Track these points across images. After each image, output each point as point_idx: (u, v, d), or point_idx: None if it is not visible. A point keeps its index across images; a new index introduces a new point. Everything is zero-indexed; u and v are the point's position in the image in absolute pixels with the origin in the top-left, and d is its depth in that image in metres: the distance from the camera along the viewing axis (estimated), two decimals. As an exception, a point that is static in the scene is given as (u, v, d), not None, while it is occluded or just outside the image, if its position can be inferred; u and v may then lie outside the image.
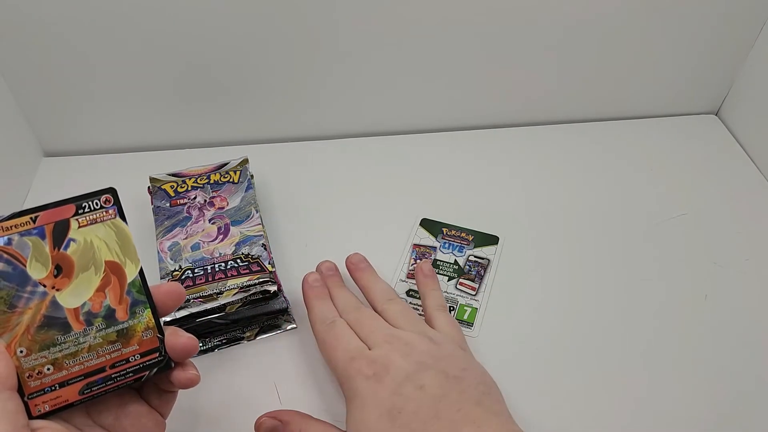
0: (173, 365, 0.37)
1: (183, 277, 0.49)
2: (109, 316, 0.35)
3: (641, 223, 0.62)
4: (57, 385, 0.34)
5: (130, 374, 0.36)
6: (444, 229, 0.59)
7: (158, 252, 0.52)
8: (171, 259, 0.51)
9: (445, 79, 0.68)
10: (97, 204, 0.35)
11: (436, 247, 0.58)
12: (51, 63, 0.60)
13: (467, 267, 0.56)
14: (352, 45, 0.63)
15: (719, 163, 0.69)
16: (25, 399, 0.33)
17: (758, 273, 0.57)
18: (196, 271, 0.50)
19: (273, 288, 0.49)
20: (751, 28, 0.67)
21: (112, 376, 0.36)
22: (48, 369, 0.34)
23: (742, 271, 0.57)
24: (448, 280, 0.55)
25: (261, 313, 0.50)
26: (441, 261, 0.57)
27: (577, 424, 0.46)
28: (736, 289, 0.56)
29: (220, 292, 0.48)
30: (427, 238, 0.58)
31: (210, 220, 0.54)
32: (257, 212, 0.55)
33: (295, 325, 0.52)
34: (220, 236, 0.52)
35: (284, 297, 0.50)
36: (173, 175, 0.58)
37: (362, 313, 0.47)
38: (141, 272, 0.36)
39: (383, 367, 0.41)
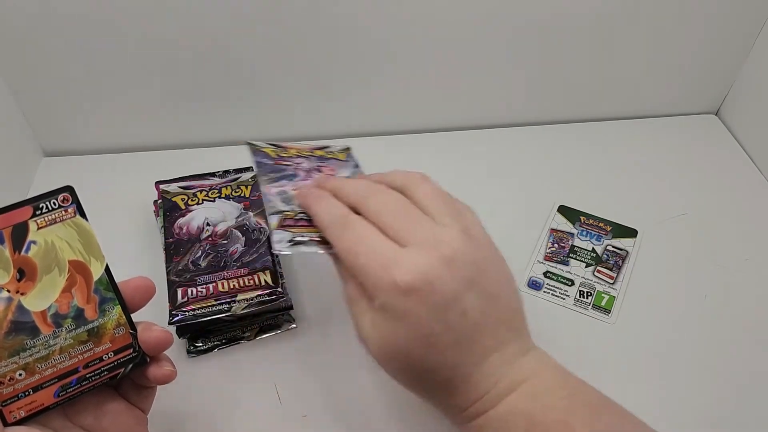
0: (148, 360, 0.36)
1: (297, 217, 0.43)
2: (78, 316, 0.35)
3: (640, 222, 0.61)
4: (31, 390, 0.34)
5: (105, 373, 0.36)
6: (582, 217, 0.60)
7: (265, 194, 0.45)
8: (282, 202, 0.45)
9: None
10: (54, 204, 0.35)
11: (573, 234, 0.59)
12: (51, 63, 0.60)
13: (605, 256, 0.57)
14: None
15: (719, 163, 0.69)
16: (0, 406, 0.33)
17: (758, 273, 0.57)
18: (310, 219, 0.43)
19: None
20: (751, 28, 0.67)
21: (87, 376, 0.35)
22: (20, 374, 0.34)
23: (742, 271, 0.57)
24: (586, 266, 0.56)
25: (265, 311, 0.50)
26: (578, 247, 0.58)
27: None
28: (736, 289, 0.55)
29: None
30: (564, 224, 0.60)
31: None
32: None
33: (295, 325, 0.51)
34: None
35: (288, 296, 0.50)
36: (274, 144, 0.52)
37: (385, 196, 0.39)
38: (107, 269, 0.36)
39: (426, 283, 0.34)
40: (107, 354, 0.36)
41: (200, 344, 0.49)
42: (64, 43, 0.58)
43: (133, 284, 0.36)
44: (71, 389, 0.35)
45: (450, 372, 0.36)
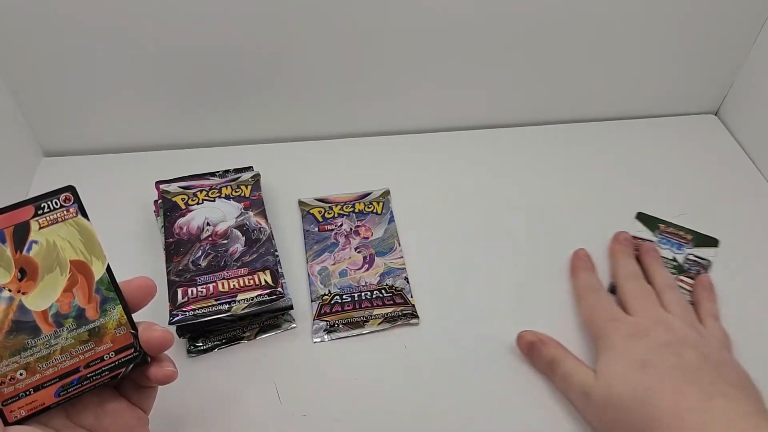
0: (149, 360, 0.36)
1: (332, 302, 0.52)
2: (80, 315, 0.35)
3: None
4: (31, 390, 0.34)
5: (106, 372, 0.36)
6: (661, 225, 0.60)
7: (309, 275, 0.54)
8: (321, 283, 0.54)
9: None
10: (56, 203, 0.35)
11: (654, 241, 0.58)
12: (51, 63, 0.60)
13: (686, 265, 0.57)
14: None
15: (719, 163, 0.68)
16: (0, 406, 0.33)
17: (758, 273, 0.56)
18: (344, 297, 0.52)
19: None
20: (751, 28, 0.67)
21: (88, 375, 0.35)
22: (21, 374, 0.34)
23: (741, 271, 0.56)
24: None
25: (266, 311, 0.50)
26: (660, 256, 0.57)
27: None
28: (736, 289, 0.54)
29: (366, 320, 0.51)
30: (643, 231, 0.60)
31: (356, 249, 0.56)
32: (399, 245, 0.57)
33: (295, 325, 0.51)
34: (366, 265, 0.55)
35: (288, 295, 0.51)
36: (320, 200, 0.61)
37: (641, 288, 0.49)
38: (108, 269, 0.36)
39: (644, 331, 0.43)
40: (108, 354, 0.36)
41: (200, 344, 0.49)
42: (64, 43, 0.58)
43: (134, 284, 0.36)
44: (72, 389, 0.35)
45: (670, 400, 0.38)
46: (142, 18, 0.57)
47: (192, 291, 0.48)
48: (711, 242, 0.58)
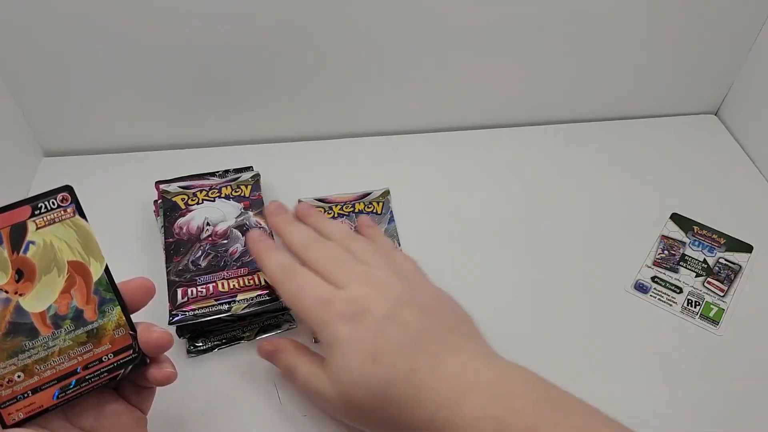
0: (148, 361, 0.36)
1: None
2: (78, 317, 0.35)
3: (640, 222, 0.61)
4: (30, 392, 0.34)
5: (105, 374, 0.35)
6: (695, 227, 0.60)
7: None
8: None
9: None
10: (53, 203, 0.34)
11: (685, 243, 0.59)
12: (51, 63, 0.59)
13: (716, 268, 0.57)
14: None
15: (719, 163, 0.68)
16: (-2, 408, 0.33)
17: (758, 273, 0.56)
18: None
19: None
20: (751, 28, 0.67)
21: (86, 377, 0.35)
22: (18, 376, 0.33)
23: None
24: (696, 276, 0.56)
25: (266, 311, 0.50)
26: (689, 257, 0.58)
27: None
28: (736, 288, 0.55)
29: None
30: (677, 232, 0.60)
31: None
32: (399, 245, 0.57)
33: (295, 325, 0.51)
34: None
35: None
36: (320, 200, 0.60)
37: (324, 248, 0.45)
38: (107, 269, 0.35)
39: (361, 308, 0.39)
40: (107, 355, 0.35)
41: (200, 344, 0.49)
42: (63, 43, 0.58)
43: (133, 285, 0.36)
44: (71, 391, 0.35)
45: (407, 383, 0.37)
46: (142, 18, 0.56)
47: (192, 291, 0.48)
48: (745, 248, 0.59)
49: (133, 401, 0.37)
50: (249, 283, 0.49)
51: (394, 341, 0.38)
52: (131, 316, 0.36)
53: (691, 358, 0.50)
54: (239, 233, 0.53)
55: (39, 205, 0.34)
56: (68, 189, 0.35)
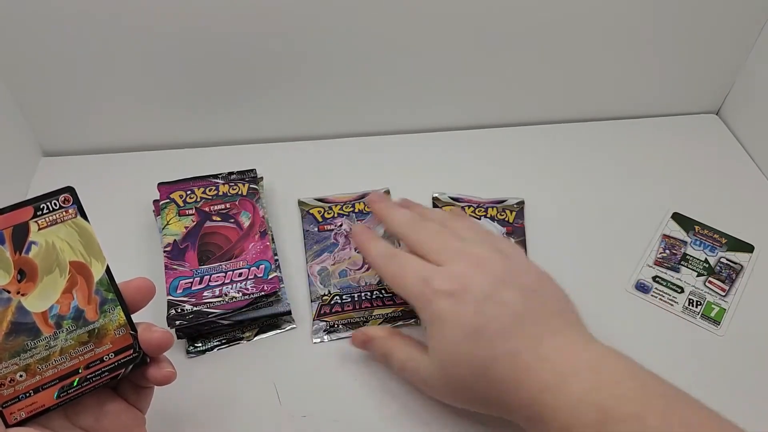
0: (148, 361, 0.36)
1: (332, 302, 0.52)
2: (79, 317, 0.35)
3: (641, 221, 0.61)
4: (31, 391, 0.34)
5: (106, 373, 0.35)
6: (696, 227, 0.60)
7: (308, 275, 0.54)
8: (320, 284, 0.54)
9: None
10: (55, 204, 0.35)
11: (686, 242, 0.59)
12: (51, 63, 0.60)
13: (718, 268, 0.57)
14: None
15: (720, 162, 0.68)
16: (0, 408, 0.33)
17: (760, 273, 0.56)
18: (343, 297, 0.52)
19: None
20: (752, 27, 0.67)
21: (88, 377, 0.35)
22: (20, 376, 0.33)
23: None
24: (697, 276, 0.56)
25: (264, 315, 0.50)
26: (691, 256, 0.58)
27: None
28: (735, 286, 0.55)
29: (366, 321, 0.51)
30: (678, 232, 0.60)
31: (356, 249, 0.56)
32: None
33: (294, 326, 0.51)
34: (366, 265, 0.55)
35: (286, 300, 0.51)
36: (320, 200, 0.61)
37: (425, 228, 0.45)
38: (108, 270, 0.36)
39: (462, 285, 0.40)
40: (108, 355, 0.36)
41: (200, 344, 0.49)
42: (63, 43, 0.58)
43: (133, 285, 0.36)
44: (72, 390, 0.35)
45: (508, 364, 0.37)
46: (142, 18, 0.57)
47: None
48: (746, 247, 0.59)
49: (132, 401, 0.37)
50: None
51: (495, 322, 0.38)
52: (132, 316, 0.36)
53: (692, 359, 0.50)
54: None
55: (41, 206, 0.34)
56: (70, 190, 0.35)
